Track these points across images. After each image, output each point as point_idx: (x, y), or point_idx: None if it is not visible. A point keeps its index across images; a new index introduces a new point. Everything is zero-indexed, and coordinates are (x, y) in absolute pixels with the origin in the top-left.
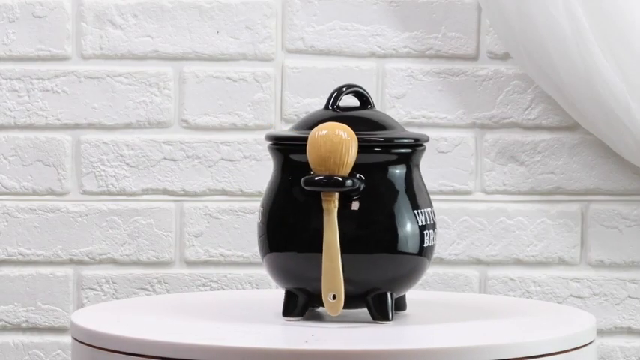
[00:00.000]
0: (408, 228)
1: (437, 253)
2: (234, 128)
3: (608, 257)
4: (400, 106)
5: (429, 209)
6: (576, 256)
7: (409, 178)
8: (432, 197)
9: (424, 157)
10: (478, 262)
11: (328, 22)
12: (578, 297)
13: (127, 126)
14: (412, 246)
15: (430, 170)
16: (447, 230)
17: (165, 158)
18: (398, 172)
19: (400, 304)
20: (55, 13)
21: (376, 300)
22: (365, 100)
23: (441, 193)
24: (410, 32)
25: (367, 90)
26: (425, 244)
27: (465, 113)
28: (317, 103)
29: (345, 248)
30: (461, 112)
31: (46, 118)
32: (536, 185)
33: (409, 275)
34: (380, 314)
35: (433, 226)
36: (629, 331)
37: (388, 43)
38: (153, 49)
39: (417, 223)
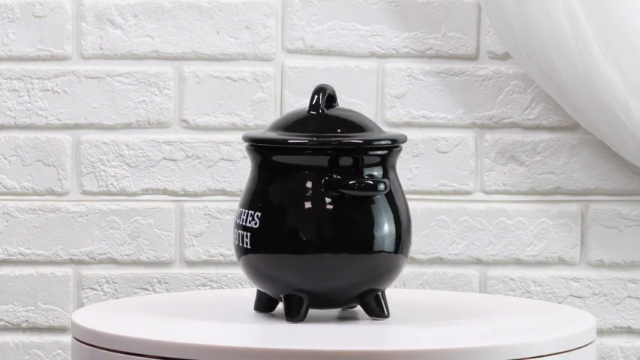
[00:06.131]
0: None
1: (437, 253)
2: (234, 128)
3: (608, 257)
4: (400, 106)
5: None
6: (576, 256)
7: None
8: (432, 197)
9: (424, 157)
10: (478, 262)
11: (328, 22)
12: (578, 297)
13: (127, 126)
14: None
15: (430, 170)
16: (447, 230)
17: (165, 158)
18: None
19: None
20: (55, 13)
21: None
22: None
23: (441, 193)
24: (410, 32)
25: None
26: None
27: (465, 113)
28: None
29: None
30: (461, 112)
31: (46, 118)
32: (536, 185)
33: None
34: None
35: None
36: (629, 331)
37: (388, 43)
38: (153, 49)
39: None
